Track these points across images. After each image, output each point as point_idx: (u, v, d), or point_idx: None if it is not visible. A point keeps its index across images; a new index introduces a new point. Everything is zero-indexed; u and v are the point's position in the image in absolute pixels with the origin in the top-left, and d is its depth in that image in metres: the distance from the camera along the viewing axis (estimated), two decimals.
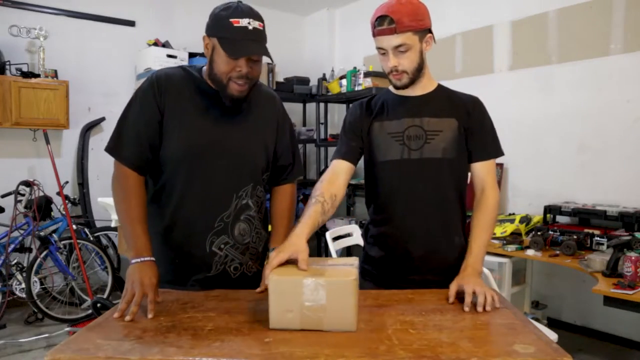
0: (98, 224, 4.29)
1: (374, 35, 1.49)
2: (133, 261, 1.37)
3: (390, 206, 1.60)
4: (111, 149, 1.48)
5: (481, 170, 1.58)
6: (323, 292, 1.14)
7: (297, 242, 1.30)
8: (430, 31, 1.51)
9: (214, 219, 1.50)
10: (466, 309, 1.29)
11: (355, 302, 1.15)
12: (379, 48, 1.50)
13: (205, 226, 1.50)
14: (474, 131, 1.57)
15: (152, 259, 1.40)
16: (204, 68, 1.52)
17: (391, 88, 1.62)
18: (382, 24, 1.45)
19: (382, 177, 1.60)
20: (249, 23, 1.37)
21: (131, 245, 1.41)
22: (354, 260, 1.29)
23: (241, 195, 1.53)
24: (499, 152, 1.61)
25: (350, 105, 1.72)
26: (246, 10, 1.39)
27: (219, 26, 1.39)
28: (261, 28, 1.41)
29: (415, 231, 1.56)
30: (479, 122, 1.58)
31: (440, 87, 1.62)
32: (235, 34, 1.36)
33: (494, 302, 1.31)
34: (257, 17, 1.41)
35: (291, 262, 1.25)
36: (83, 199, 4.31)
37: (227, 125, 1.51)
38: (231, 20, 1.36)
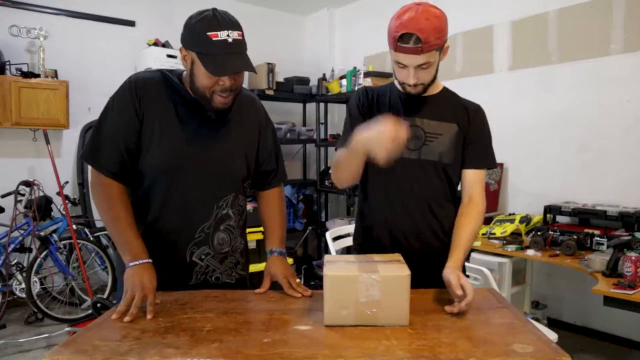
0: (98, 224, 4.29)
1: (396, 50, 1.41)
2: (131, 264, 1.35)
3: (380, 202, 1.60)
4: (88, 157, 1.43)
5: (471, 178, 1.56)
6: (378, 287, 1.17)
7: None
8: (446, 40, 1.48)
9: (195, 229, 1.47)
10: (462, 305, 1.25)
11: (408, 296, 1.18)
12: (398, 62, 1.44)
13: (186, 237, 1.47)
14: (471, 139, 1.57)
15: (150, 260, 1.38)
16: (184, 74, 1.46)
17: (397, 84, 1.59)
18: (408, 42, 1.37)
19: (377, 173, 1.59)
20: (228, 35, 1.29)
21: (125, 250, 1.38)
22: (399, 257, 1.33)
23: (222, 205, 1.50)
24: (491, 164, 1.60)
25: (356, 89, 1.71)
26: (223, 19, 1.31)
27: (197, 40, 1.31)
28: (241, 38, 1.33)
29: (404, 230, 1.56)
30: (478, 130, 1.58)
31: (445, 90, 1.62)
32: (215, 49, 1.29)
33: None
34: (236, 25, 1.33)
35: (341, 260, 1.31)
36: (83, 199, 4.31)
37: (207, 135, 1.46)
38: (209, 34, 1.28)
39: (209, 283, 1.53)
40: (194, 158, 1.44)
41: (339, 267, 1.24)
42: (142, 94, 1.41)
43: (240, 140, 1.53)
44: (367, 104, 1.61)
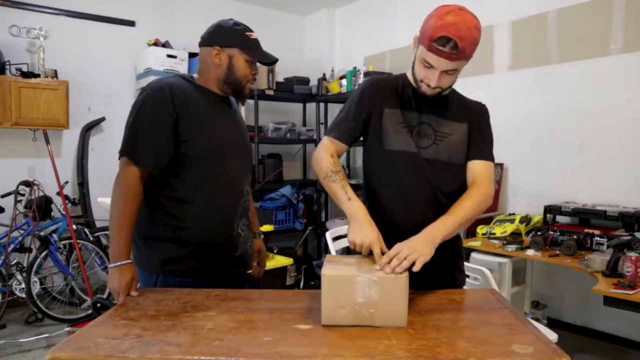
0: (98, 224, 4.29)
1: (429, 49, 1.37)
2: (110, 265, 1.49)
3: (385, 197, 1.56)
4: (127, 152, 1.54)
5: (476, 167, 1.53)
6: (375, 288, 1.17)
7: (375, 231, 1.36)
8: None
9: (237, 204, 1.71)
10: (376, 267, 1.25)
11: (406, 297, 1.18)
12: (425, 61, 1.41)
13: (233, 211, 1.69)
14: (477, 132, 1.57)
15: (128, 261, 1.50)
16: (194, 75, 1.71)
17: (411, 79, 1.55)
18: (445, 46, 1.34)
19: (385, 166, 1.55)
20: (256, 36, 1.68)
21: (112, 247, 1.51)
22: None
23: (245, 182, 1.76)
24: (492, 158, 1.59)
25: (368, 77, 1.70)
26: (249, 27, 1.69)
27: (238, 38, 1.64)
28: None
29: (404, 226, 1.49)
30: (483, 125, 1.59)
31: (453, 91, 1.61)
32: (254, 43, 1.67)
33: (401, 268, 1.22)
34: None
35: (341, 260, 1.33)
36: (83, 199, 4.31)
37: (231, 123, 1.73)
38: (247, 34, 1.66)
39: (247, 252, 1.77)
40: (228, 144, 1.69)
41: (337, 267, 1.24)
42: (174, 94, 1.57)
43: (245, 129, 1.84)
44: (382, 96, 1.56)
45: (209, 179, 1.62)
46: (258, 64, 1.70)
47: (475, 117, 1.58)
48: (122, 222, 1.51)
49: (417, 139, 1.52)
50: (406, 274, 1.20)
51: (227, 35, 1.65)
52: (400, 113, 1.54)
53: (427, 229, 1.36)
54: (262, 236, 2.01)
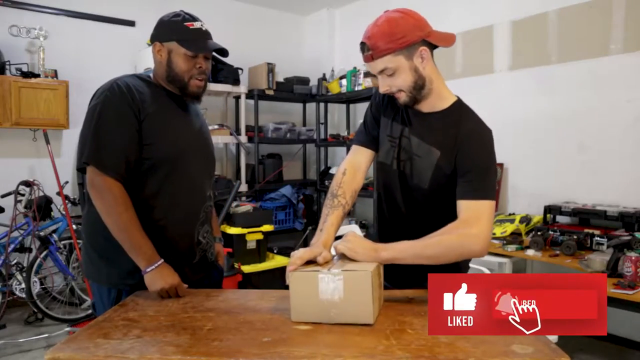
0: None
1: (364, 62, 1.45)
2: (148, 269, 1.42)
3: (380, 207, 1.60)
4: (93, 160, 1.44)
5: (465, 209, 1.34)
6: (339, 284, 1.16)
7: (319, 249, 1.30)
8: (425, 42, 1.37)
9: (199, 211, 1.62)
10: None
11: (373, 294, 1.16)
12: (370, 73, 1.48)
13: (195, 218, 1.61)
14: (460, 167, 1.39)
15: (162, 260, 1.46)
16: (151, 75, 1.61)
17: None
18: (363, 51, 1.39)
19: (378, 176, 1.61)
20: (201, 25, 1.54)
21: (138, 256, 1.44)
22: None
23: (207, 187, 1.68)
24: (484, 195, 1.35)
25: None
26: (194, 16, 1.55)
27: (175, 30, 1.51)
28: (209, 31, 1.56)
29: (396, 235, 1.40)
30: (467, 157, 1.38)
31: (454, 107, 1.45)
32: (193, 34, 1.51)
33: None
34: (203, 22, 1.57)
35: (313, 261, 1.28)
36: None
37: (191, 126, 1.63)
38: (186, 24, 1.51)
39: (206, 259, 1.68)
40: (191, 147, 1.59)
41: (307, 266, 1.24)
42: (133, 95, 1.49)
43: (208, 132, 1.74)
44: (381, 105, 1.56)
45: (169, 183, 1.52)
46: (219, 56, 1.57)
47: (453, 145, 1.40)
48: (131, 228, 1.43)
49: (397, 151, 1.48)
50: (372, 268, 1.17)
51: (165, 28, 1.54)
52: (390, 123, 1.52)
53: (384, 244, 1.32)
54: (222, 241, 1.90)
